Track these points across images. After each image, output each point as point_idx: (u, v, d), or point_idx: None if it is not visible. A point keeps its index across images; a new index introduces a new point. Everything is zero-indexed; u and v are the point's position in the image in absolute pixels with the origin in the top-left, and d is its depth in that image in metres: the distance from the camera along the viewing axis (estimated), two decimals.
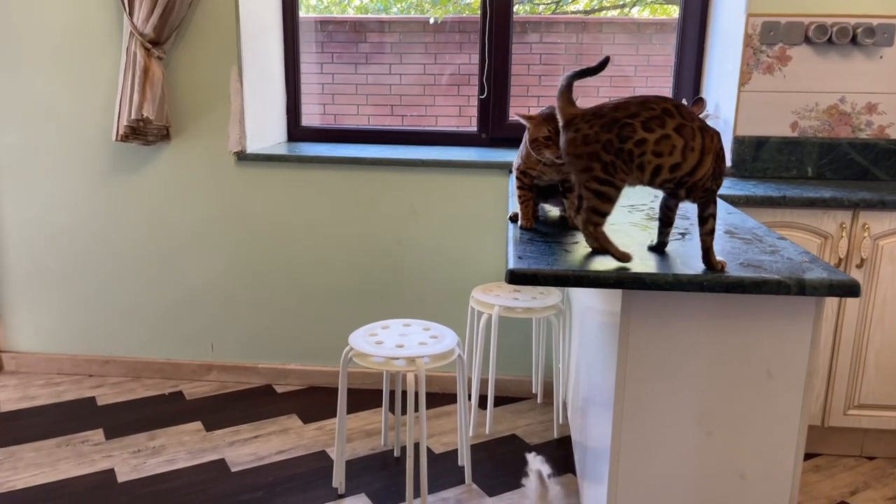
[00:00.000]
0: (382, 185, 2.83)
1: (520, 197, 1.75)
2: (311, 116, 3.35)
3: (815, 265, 1.41)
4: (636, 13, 3.34)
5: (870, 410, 2.39)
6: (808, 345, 1.41)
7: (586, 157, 1.37)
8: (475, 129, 3.15)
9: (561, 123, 1.43)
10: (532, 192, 1.75)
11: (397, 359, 2.03)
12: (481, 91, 3.08)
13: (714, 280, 1.34)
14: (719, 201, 2.11)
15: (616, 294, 1.51)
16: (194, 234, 2.94)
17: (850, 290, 1.33)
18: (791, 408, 1.44)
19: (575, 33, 3.36)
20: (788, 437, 1.45)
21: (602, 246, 1.41)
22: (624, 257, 1.39)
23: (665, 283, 1.34)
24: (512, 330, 2.88)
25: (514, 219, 1.80)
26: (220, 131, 2.83)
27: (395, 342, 2.12)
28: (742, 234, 1.68)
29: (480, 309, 2.48)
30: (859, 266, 2.30)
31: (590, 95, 3.31)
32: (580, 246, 1.55)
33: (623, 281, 1.35)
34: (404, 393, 2.76)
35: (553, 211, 1.92)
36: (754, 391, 1.44)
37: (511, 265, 1.40)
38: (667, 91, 3.10)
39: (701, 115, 2.78)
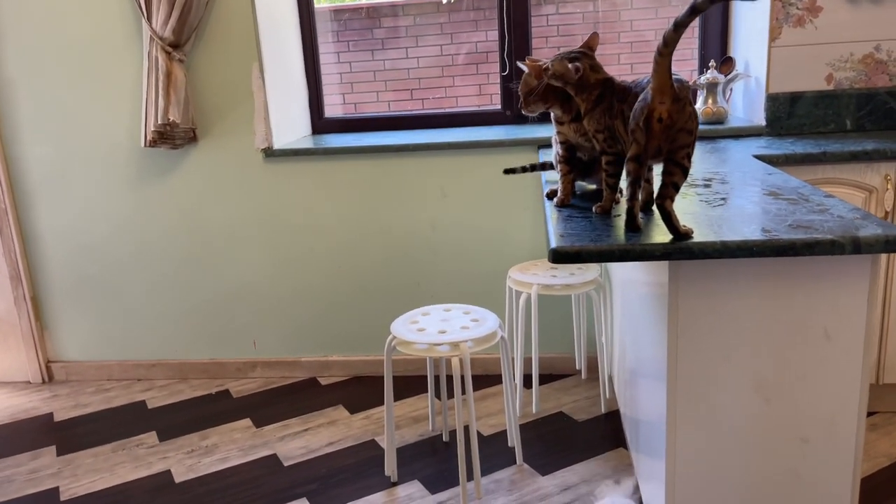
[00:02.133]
0: (411, 171, 2.81)
1: (561, 171, 1.73)
2: (332, 107, 3.34)
3: (868, 221, 1.37)
4: None
5: None
6: (865, 304, 1.37)
7: (690, 133, 1.33)
8: (499, 107, 3.11)
9: (672, 97, 1.31)
10: (572, 166, 1.73)
11: (441, 344, 2.03)
12: (503, 68, 3.04)
13: (765, 244, 1.30)
14: (759, 163, 2.06)
15: (661, 265, 1.48)
16: (228, 234, 2.96)
17: None
18: (851, 368, 1.40)
19: (591, 1, 3.30)
20: (850, 397, 1.42)
21: (673, 222, 1.35)
22: (687, 234, 1.34)
23: (714, 250, 1.31)
24: (551, 307, 2.86)
25: (550, 195, 1.77)
26: (246, 129, 2.83)
27: (437, 328, 2.11)
28: (786, 194, 1.63)
29: (518, 288, 2.47)
30: None
31: (611, 63, 3.25)
32: (621, 219, 1.52)
33: (670, 252, 1.32)
34: (449, 377, 2.76)
35: (589, 186, 1.89)
36: (812, 354, 1.41)
37: (553, 244, 1.38)
38: (692, 53, 3.03)
39: (730, 75, 2.71)
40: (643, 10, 3.26)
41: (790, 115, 2.56)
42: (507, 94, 3.07)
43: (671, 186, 1.34)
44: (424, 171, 2.81)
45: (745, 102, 2.79)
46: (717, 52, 2.91)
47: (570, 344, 2.89)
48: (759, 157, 2.21)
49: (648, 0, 3.24)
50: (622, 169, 1.56)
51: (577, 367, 2.89)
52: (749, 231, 1.35)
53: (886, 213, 2.23)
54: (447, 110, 3.21)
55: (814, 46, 2.50)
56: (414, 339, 2.05)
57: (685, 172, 1.34)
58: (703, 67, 2.91)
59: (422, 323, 2.17)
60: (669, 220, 1.34)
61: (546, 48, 3.26)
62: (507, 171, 2.02)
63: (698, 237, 1.34)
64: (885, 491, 2.05)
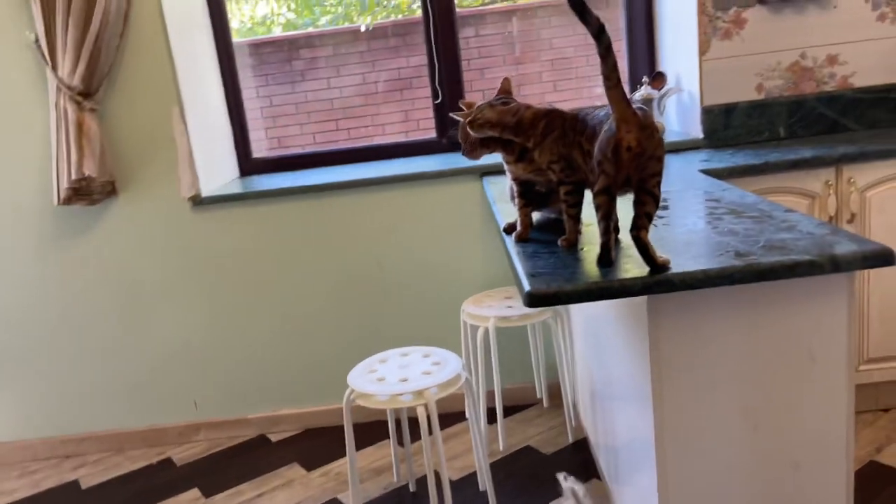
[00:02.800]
0: (352, 209, 2.69)
1: (518, 205, 1.65)
2: (258, 144, 3.19)
3: (838, 237, 1.35)
4: None
5: (880, 364, 2.36)
6: (845, 320, 1.34)
7: (660, 160, 1.27)
8: (434, 135, 3.04)
9: (638, 125, 1.25)
10: (528, 199, 1.66)
11: (403, 394, 1.91)
12: (435, 96, 2.97)
13: (746, 270, 1.25)
14: (707, 178, 2.05)
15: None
16: (160, 290, 2.76)
17: (885, 259, 1.26)
18: (838, 388, 1.37)
19: (510, 21, 3.28)
20: (838, 418, 1.38)
21: (650, 253, 1.29)
22: (665, 264, 1.28)
23: (695, 280, 1.26)
24: (508, 337, 2.79)
25: (508, 230, 1.70)
26: (170, 177, 2.66)
27: (398, 376, 2.00)
28: (747, 211, 1.60)
29: (474, 322, 2.38)
30: (850, 221, 2.27)
31: (533, 82, 3.23)
32: (589, 252, 1.45)
33: (651, 286, 1.26)
34: (412, 419, 2.64)
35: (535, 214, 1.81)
36: (798, 377, 1.37)
37: (527, 286, 1.30)
38: (621, 68, 3.03)
39: (663, 91, 2.72)
40: (561, 28, 3.26)
41: (726, 126, 2.58)
42: (442, 122, 3.00)
43: (644, 217, 1.28)
44: (366, 208, 2.69)
45: (679, 116, 2.81)
46: (646, 67, 2.92)
47: (529, 372, 2.82)
48: (704, 172, 2.20)
49: (566, 17, 3.24)
50: (582, 197, 1.50)
51: (539, 396, 2.82)
52: (723, 257, 1.31)
53: (831, 217, 2.26)
54: (382, 142, 3.13)
55: (742, 58, 2.54)
56: (374, 391, 1.92)
57: (657, 201, 1.29)
58: (634, 84, 2.92)
59: (380, 371, 2.05)
60: (646, 252, 1.28)
61: (469, 70, 3.22)
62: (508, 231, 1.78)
63: (675, 267, 1.28)
64: (860, 492, 2.04)
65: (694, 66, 2.57)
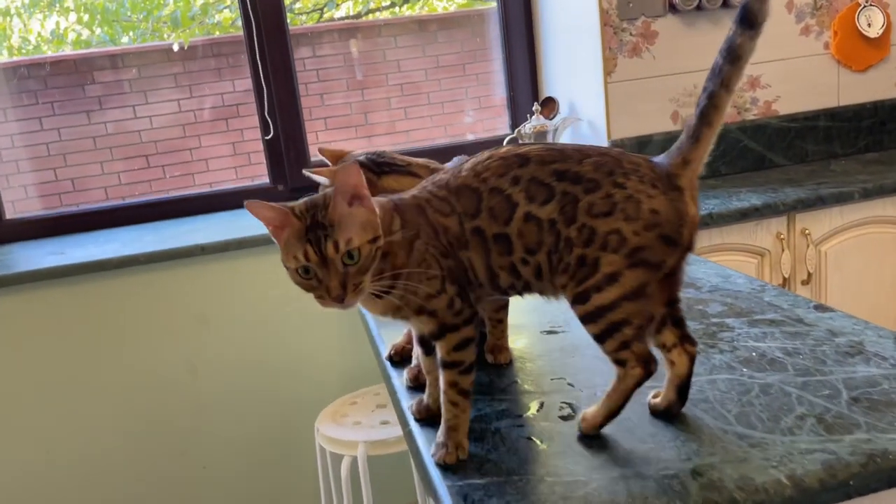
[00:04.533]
0: (151, 292, 1.90)
1: (421, 354, 0.95)
2: (27, 202, 2.32)
3: None
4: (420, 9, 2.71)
5: None
6: None
7: None
8: (267, 180, 2.33)
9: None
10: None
11: None
12: (265, 130, 2.27)
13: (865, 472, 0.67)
14: None
15: None
16: None
17: None
18: None
19: (350, 40, 2.74)
20: None
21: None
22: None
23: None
24: (384, 463, 2.09)
25: (395, 358, 1.02)
26: None
27: None
28: (761, 312, 1.04)
29: (335, 450, 1.68)
30: (806, 282, 1.82)
31: (381, 108, 2.66)
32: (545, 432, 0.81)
33: None
34: None
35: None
36: None
37: (440, 489, 0.64)
38: (499, 91, 2.47)
39: (554, 119, 2.18)
40: (408, 49, 2.73)
41: None
42: (277, 162, 2.29)
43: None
44: (171, 290, 1.91)
45: None
46: (529, 91, 2.38)
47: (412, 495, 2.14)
48: None
49: (412, 38, 2.74)
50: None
51: None
52: (801, 436, 0.72)
53: (785, 279, 1.80)
54: (200, 192, 2.42)
55: (654, 80, 2.05)
56: None
57: None
58: (515, 115, 2.37)
59: None
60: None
61: (307, 96, 2.57)
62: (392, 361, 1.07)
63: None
64: None
65: (597, 90, 2.05)
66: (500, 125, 2.47)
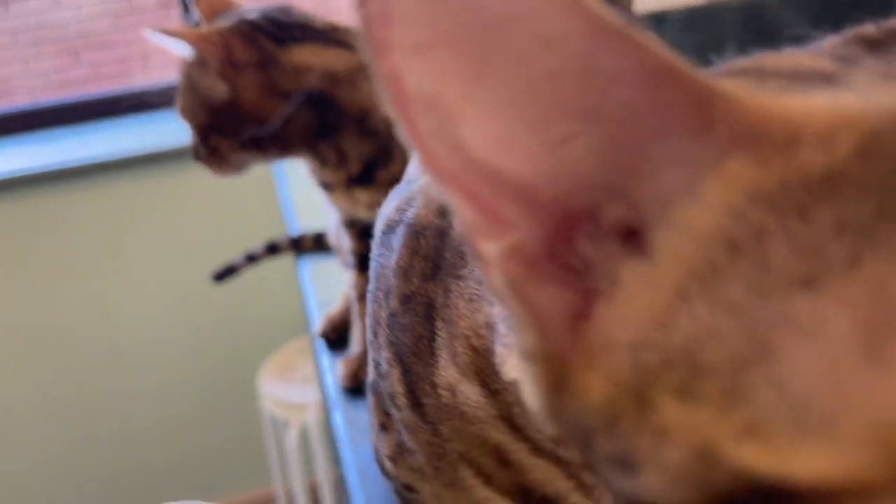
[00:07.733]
0: (61, 213, 1.57)
1: (356, 288, 0.62)
2: None
3: None
4: None
5: None
6: None
7: None
8: None
9: None
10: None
11: None
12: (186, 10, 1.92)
13: None
14: None
15: None
16: None
17: None
18: None
19: None
20: None
21: None
22: None
23: None
24: None
25: (330, 336, 0.69)
26: None
27: None
28: None
29: (284, 414, 1.38)
30: None
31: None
32: None
33: None
34: None
35: None
36: None
37: None
38: None
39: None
40: None
41: None
42: None
43: None
44: (83, 211, 1.57)
45: None
46: None
47: None
48: None
49: None
50: None
51: None
52: None
53: None
54: (132, 88, 2.11)
55: None
56: None
57: None
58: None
59: None
60: None
61: None
62: (219, 278, 0.88)
63: None
64: None
65: None
66: None
